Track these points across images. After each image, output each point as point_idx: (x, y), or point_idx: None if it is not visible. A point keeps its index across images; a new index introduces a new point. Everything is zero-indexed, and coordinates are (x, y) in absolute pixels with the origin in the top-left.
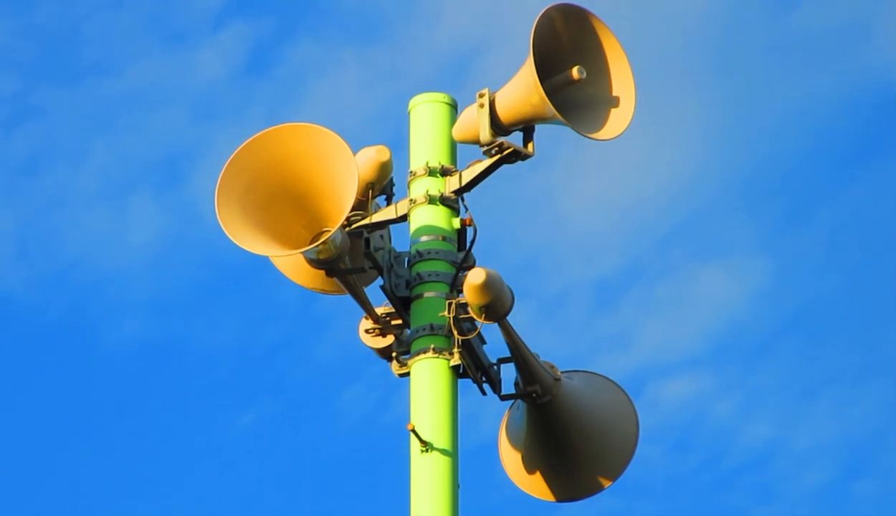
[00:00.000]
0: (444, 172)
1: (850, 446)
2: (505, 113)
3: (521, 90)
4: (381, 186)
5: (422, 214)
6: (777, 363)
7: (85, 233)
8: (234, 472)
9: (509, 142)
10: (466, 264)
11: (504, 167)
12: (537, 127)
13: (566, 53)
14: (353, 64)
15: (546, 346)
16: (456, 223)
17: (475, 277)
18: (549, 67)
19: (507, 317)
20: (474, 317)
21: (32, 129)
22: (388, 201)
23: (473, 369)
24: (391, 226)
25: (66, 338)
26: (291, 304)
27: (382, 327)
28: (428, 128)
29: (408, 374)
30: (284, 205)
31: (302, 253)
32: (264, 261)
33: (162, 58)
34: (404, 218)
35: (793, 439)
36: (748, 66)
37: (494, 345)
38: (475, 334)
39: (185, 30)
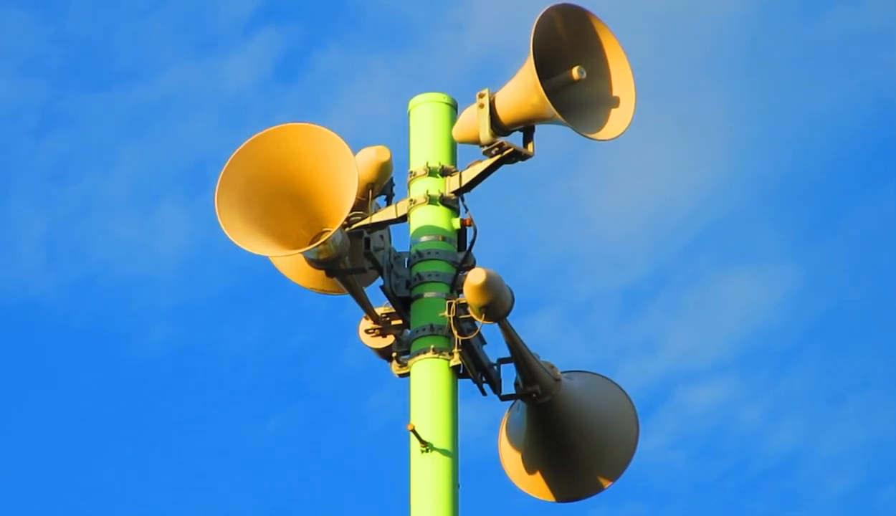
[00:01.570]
0: (444, 172)
1: (876, 452)
2: (505, 113)
3: (521, 90)
4: (381, 186)
5: (422, 214)
6: (803, 369)
7: (113, 239)
8: (259, 478)
9: (509, 142)
10: (466, 264)
11: (531, 173)
12: (537, 127)
13: (566, 53)
14: (381, 71)
15: (573, 352)
16: (456, 223)
17: (475, 277)
18: (549, 67)
19: (507, 317)
20: (474, 317)
21: (62, 135)
22: (388, 201)
23: (473, 369)
24: (391, 227)
25: (92, 345)
26: (318, 310)
27: (382, 327)
28: (428, 128)
29: (408, 374)
30: (284, 205)
31: (302, 253)
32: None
33: (191, 65)
34: (404, 218)
35: (819, 445)
36: (776, 73)
37: (494, 345)
38: (475, 334)
39: (214, 37)
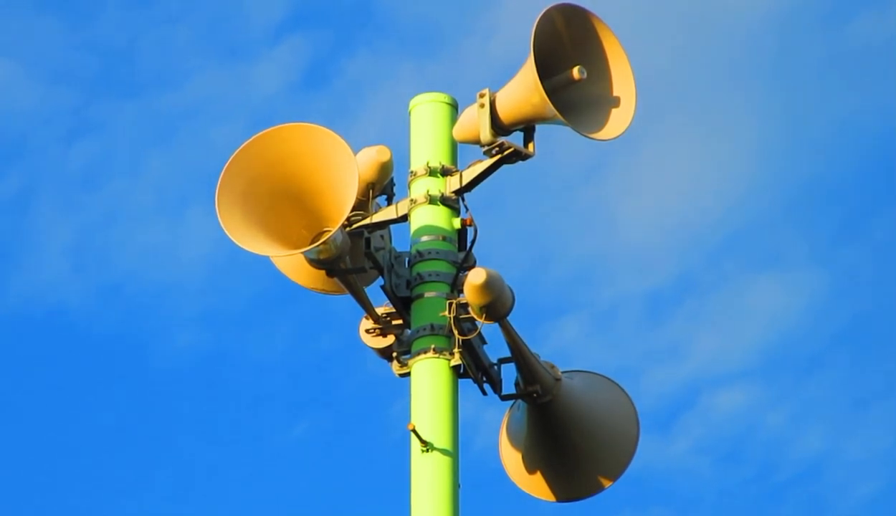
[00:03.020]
0: (445, 172)
1: None
2: (505, 113)
3: (522, 90)
4: (382, 186)
5: (422, 214)
6: (829, 374)
7: (140, 246)
8: (285, 483)
9: (510, 142)
10: (467, 264)
11: (557, 179)
12: (538, 126)
13: (567, 53)
14: (410, 77)
15: (598, 357)
16: (456, 223)
17: (476, 277)
18: (549, 67)
19: (508, 317)
20: (475, 317)
21: (91, 142)
22: (389, 201)
23: (474, 369)
24: (392, 226)
25: (119, 351)
26: (344, 317)
27: (383, 327)
28: (428, 128)
29: (408, 374)
30: (285, 205)
31: (302, 253)
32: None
33: (219, 72)
34: (405, 218)
35: (844, 450)
36: (802, 79)
37: (495, 344)
38: (475, 334)
39: (242, 44)
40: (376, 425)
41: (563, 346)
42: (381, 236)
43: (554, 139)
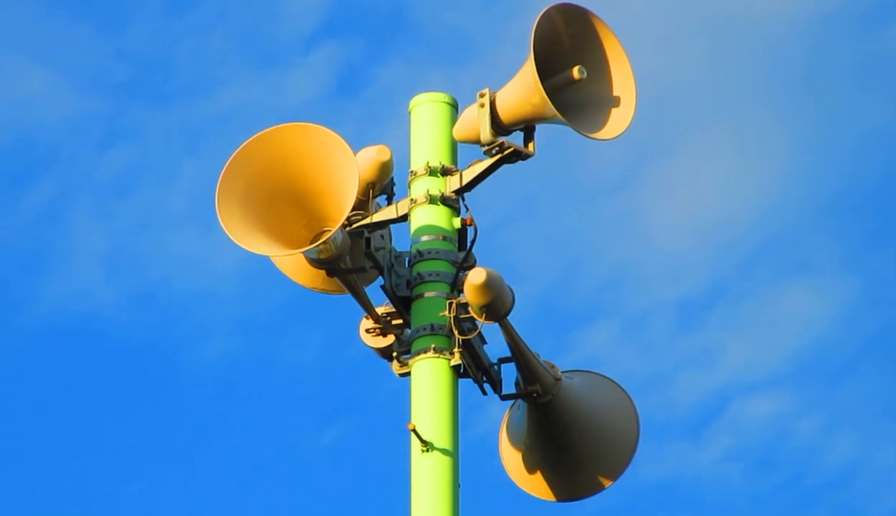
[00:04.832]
0: (445, 172)
1: None
2: (505, 113)
3: (522, 90)
4: (382, 186)
5: (422, 214)
6: (860, 381)
7: (173, 254)
8: (314, 490)
9: (510, 141)
10: (467, 264)
11: (590, 186)
12: (538, 126)
13: (567, 53)
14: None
15: (629, 364)
16: (456, 223)
17: (475, 277)
18: (549, 67)
19: (508, 317)
20: (475, 316)
21: (124, 150)
22: (389, 201)
23: (474, 369)
24: (392, 226)
25: (151, 358)
26: None
27: (383, 327)
28: (428, 127)
29: (408, 374)
30: (285, 204)
31: (303, 252)
32: None
33: (253, 79)
34: (405, 217)
35: (876, 457)
36: (834, 86)
37: (495, 344)
38: (476, 334)
39: (275, 52)
40: (406, 431)
41: (594, 353)
42: (382, 236)
43: (586, 147)
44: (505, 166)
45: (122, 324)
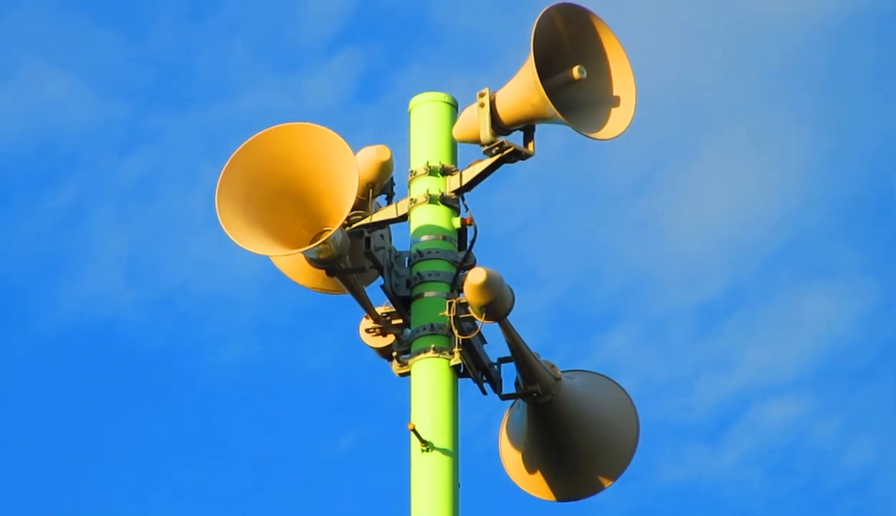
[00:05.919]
0: (445, 172)
1: None
2: (505, 112)
3: (522, 90)
4: (382, 186)
5: (422, 214)
6: (879, 386)
7: (193, 258)
8: (333, 494)
9: (510, 141)
10: (467, 264)
11: (608, 191)
12: (538, 126)
13: (567, 53)
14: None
15: (648, 369)
16: (456, 222)
17: (475, 277)
18: (549, 67)
19: (508, 317)
20: (475, 316)
21: (145, 154)
22: (389, 201)
23: (474, 369)
24: (391, 226)
25: (170, 363)
26: None
27: (383, 327)
28: (428, 127)
29: (408, 374)
30: (285, 204)
31: (302, 252)
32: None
33: (273, 84)
34: (405, 217)
35: (894, 462)
36: (853, 90)
37: (495, 344)
38: (475, 334)
39: (296, 57)
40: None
41: (613, 357)
42: (381, 236)
43: (604, 152)
44: (524, 171)
45: (140, 328)
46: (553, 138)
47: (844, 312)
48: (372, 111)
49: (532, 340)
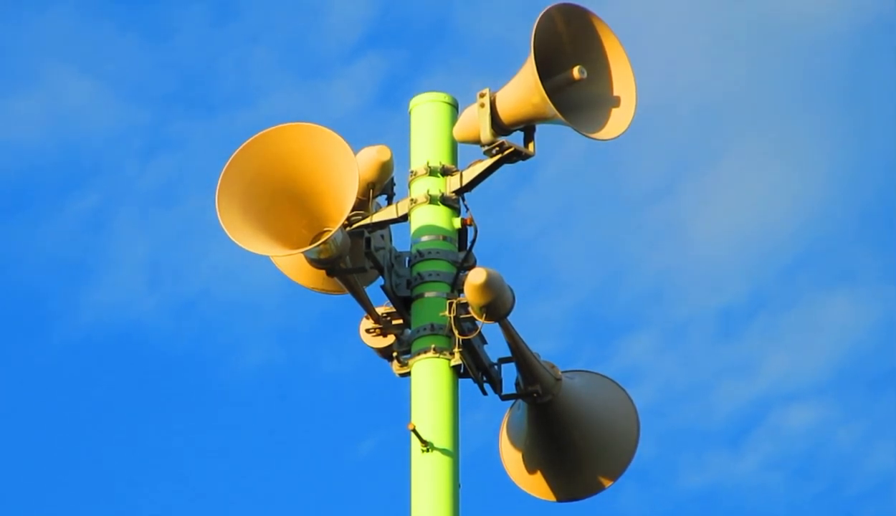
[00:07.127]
0: (445, 172)
1: None
2: (506, 113)
3: (522, 90)
4: (382, 186)
5: (422, 214)
6: None
7: (215, 263)
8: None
9: (510, 141)
10: (467, 264)
11: (630, 196)
12: (538, 126)
13: (567, 53)
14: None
15: (669, 373)
16: (457, 223)
17: (476, 277)
18: (549, 67)
19: (508, 317)
20: (475, 316)
21: (168, 159)
22: (389, 201)
23: (474, 369)
24: (392, 226)
25: (192, 368)
26: None
27: (383, 327)
28: (429, 127)
29: (408, 374)
30: (285, 204)
31: (303, 253)
32: None
33: (296, 90)
34: (405, 217)
35: None
36: (875, 96)
37: (495, 344)
38: (476, 334)
39: (319, 62)
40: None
41: (634, 362)
42: (382, 236)
43: (626, 157)
44: (546, 176)
45: (162, 333)
46: (574, 144)
47: (865, 318)
48: (395, 116)
49: (553, 345)
